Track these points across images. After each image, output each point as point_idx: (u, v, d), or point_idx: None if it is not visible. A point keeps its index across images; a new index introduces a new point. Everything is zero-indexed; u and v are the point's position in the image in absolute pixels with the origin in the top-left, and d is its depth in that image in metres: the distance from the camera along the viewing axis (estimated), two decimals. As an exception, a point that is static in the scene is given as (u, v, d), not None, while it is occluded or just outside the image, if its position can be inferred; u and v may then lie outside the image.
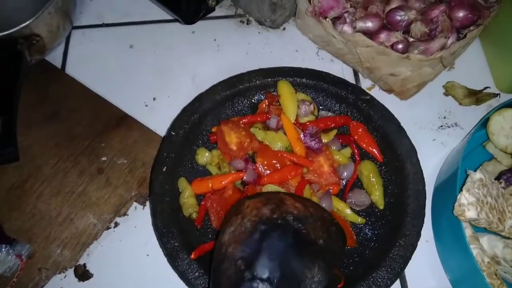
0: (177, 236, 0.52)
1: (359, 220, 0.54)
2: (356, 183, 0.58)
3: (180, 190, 0.57)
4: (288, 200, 0.47)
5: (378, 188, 0.55)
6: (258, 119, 0.59)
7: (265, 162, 0.55)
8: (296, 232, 0.44)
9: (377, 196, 0.55)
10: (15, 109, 0.57)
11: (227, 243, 0.44)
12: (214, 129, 0.60)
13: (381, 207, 0.55)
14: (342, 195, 0.56)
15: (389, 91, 0.66)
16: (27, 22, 0.62)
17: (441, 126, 0.66)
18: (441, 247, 0.55)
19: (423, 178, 0.54)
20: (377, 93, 0.67)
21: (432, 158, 0.62)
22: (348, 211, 0.54)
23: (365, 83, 0.69)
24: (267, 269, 0.41)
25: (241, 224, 0.45)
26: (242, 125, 0.58)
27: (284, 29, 0.76)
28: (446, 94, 0.68)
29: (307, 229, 0.44)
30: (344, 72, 0.70)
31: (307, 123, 0.59)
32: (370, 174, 0.56)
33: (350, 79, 0.69)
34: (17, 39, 0.63)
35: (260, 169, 0.55)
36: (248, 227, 0.44)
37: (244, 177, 0.55)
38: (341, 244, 0.48)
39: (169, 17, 0.76)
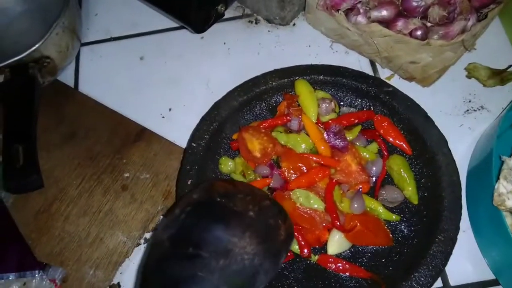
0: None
1: (394, 217, 0.53)
2: (386, 179, 0.56)
3: (207, 201, 0.56)
4: (218, 184, 0.48)
5: (410, 183, 0.53)
6: (279, 122, 0.58)
7: (291, 166, 0.54)
8: (223, 206, 0.45)
9: (410, 191, 0.53)
10: (34, 136, 0.57)
11: (158, 234, 0.46)
12: (235, 136, 0.59)
13: (415, 202, 0.53)
14: (373, 193, 0.55)
15: (410, 79, 0.64)
16: (36, 46, 0.62)
17: (467, 110, 0.64)
18: (480, 238, 0.53)
19: (457, 169, 0.53)
20: (398, 82, 0.65)
21: (461, 145, 0.60)
22: (381, 209, 0.53)
23: (383, 73, 0.67)
24: (192, 242, 0.42)
25: (172, 213, 0.47)
26: (263, 130, 0.57)
27: (294, 25, 0.74)
28: (468, 76, 0.66)
29: (235, 203, 0.45)
30: (360, 63, 0.68)
31: (330, 121, 0.57)
32: (400, 168, 0.54)
33: (368, 70, 0.67)
34: (28, 63, 0.62)
35: (286, 174, 0.54)
36: (176, 212, 0.46)
37: (271, 184, 0.54)
38: (279, 220, 0.46)
39: (176, 24, 0.75)
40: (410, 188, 0.53)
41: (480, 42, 0.67)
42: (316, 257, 0.52)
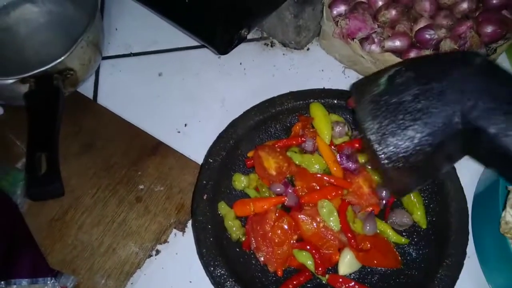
0: (223, 264, 0.53)
1: (403, 240, 0.55)
2: (396, 203, 0.58)
3: (221, 215, 0.57)
4: None
5: (419, 208, 0.55)
6: (294, 142, 0.60)
7: (305, 186, 0.56)
8: None
9: (419, 216, 0.55)
10: (57, 145, 0.58)
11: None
12: (250, 154, 0.61)
13: (424, 226, 0.55)
14: (382, 215, 0.57)
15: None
16: (62, 58, 0.64)
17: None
18: (485, 263, 0.55)
19: (465, 196, 0.55)
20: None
21: (467, 170, 0.62)
22: (390, 231, 0.55)
23: (393, 100, 0.69)
24: None
25: None
26: (279, 149, 0.59)
27: (308, 49, 0.77)
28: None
29: None
30: (372, 89, 0.71)
31: (343, 144, 0.59)
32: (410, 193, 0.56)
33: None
34: (52, 74, 0.64)
35: (300, 192, 0.56)
36: None
37: (286, 202, 0.55)
38: None
39: (195, 43, 0.77)
40: (419, 213, 0.55)
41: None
42: (327, 276, 0.54)
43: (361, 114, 0.41)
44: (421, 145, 0.38)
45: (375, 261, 0.53)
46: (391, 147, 0.38)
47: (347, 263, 0.53)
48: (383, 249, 0.53)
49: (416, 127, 0.38)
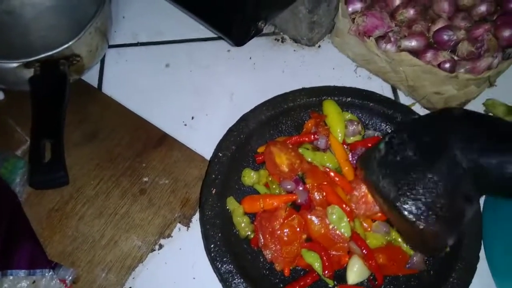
0: (230, 260, 0.51)
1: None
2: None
3: (229, 210, 0.56)
4: None
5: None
6: (306, 139, 0.58)
7: (315, 184, 0.55)
8: None
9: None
10: (62, 133, 0.56)
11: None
12: (260, 150, 0.59)
13: None
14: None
15: (432, 109, 0.66)
16: (70, 43, 0.62)
17: (485, 144, 0.65)
18: (495, 269, 0.54)
19: (478, 200, 0.54)
20: (418, 111, 0.66)
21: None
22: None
23: (405, 101, 0.68)
24: None
25: None
26: (290, 146, 0.57)
27: (319, 46, 0.76)
28: (486, 111, 0.68)
29: None
30: (383, 89, 0.70)
31: (356, 142, 0.58)
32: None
33: (389, 96, 0.69)
34: (58, 59, 0.62)
35: (310, 190, 0.54)
36: None
37: (298, 200, 0.54)
38: None
39: (204, 35, 0.76)
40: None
41: (500, 79, 0.69)
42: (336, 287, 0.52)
43: (373, 178, 0.45)
44: (437, 191, 0.41)
45: (389, 271, 0.52)
46: (411, 201, 0.41)
47: (357, 272, 0.51)
48: (397, 259, 0.52)
49: (427, 176, 0.42)
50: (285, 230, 0.52)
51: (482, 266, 0.55)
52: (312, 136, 0.58)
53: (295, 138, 0.59)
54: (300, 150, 0.57)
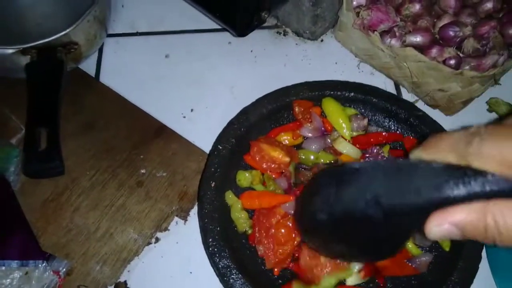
0: (229, 255, 0.50)
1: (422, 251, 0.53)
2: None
3: (229, 204, 0.55)
4: None
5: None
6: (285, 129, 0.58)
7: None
8: None
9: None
10: (59, 121, 0.55)
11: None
12: (246, 157, 0.58)
13: (447, 248, 0.53)
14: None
15: (435, 106, 0.65)
16: (68, 30, 0.61)
17: (487, 143, 0.65)
18: (496, 270, 0.53)
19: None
20: (421, 108, 0.66)
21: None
22: (410, 244, 0.53)
23: (407, 98, 0.67)
24: None
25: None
26: (274, 140, 0.57)
27: (322, 40, 0.75)
28: (489, 110, 0.67)
29: None
30: (386, 85, 0.69)
31: (358, 136, 0.57)
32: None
33: (392, 92, 0.68)
34: (56, 47, 0.61)
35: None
36: None
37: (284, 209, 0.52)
38: None
39: (205, 27, 0.75)
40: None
41: (504, 78, 0.68)
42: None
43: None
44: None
45: (390, 272, 0.51)
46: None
47: (356, 273, 0.51)
48: (397, 259, 0.51)
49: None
50: (280, 230, 0.51)
51: (483, 266, 0.55)
52: (298, 124, 0.58)
53: (277, 129, 0.58)
54: (301, 155, 0.57)
